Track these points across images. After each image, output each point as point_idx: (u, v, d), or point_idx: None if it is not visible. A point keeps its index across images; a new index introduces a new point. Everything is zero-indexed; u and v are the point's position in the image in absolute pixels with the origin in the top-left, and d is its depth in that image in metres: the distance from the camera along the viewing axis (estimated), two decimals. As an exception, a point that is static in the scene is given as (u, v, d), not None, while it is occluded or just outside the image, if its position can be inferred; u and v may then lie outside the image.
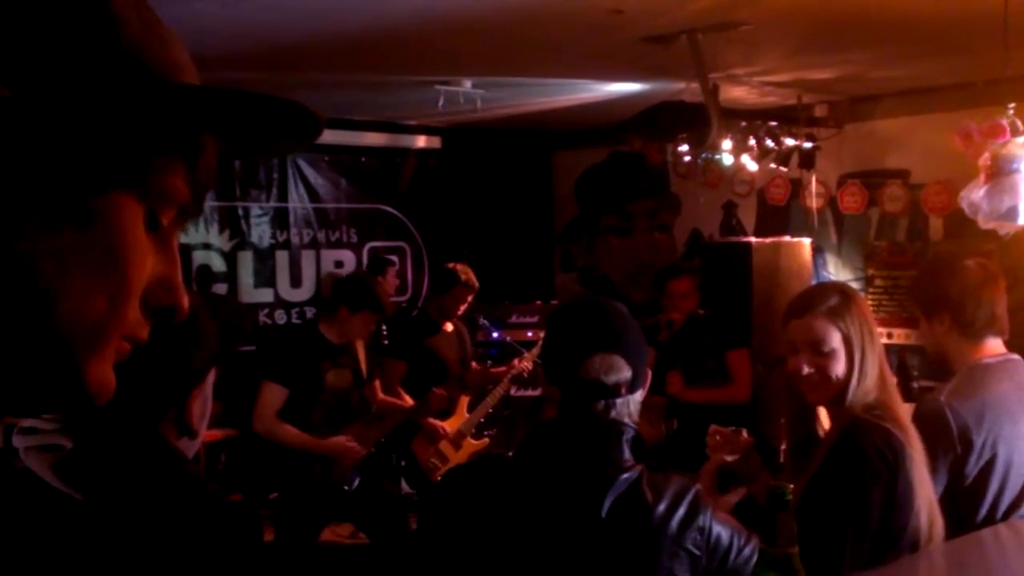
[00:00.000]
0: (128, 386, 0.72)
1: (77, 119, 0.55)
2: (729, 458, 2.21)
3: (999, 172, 3.00)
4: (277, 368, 4.20)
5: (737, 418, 4.77)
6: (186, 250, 6.61)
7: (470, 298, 5.06)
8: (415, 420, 4.82)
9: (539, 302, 7.23)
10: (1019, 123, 3.07)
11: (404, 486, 5.99)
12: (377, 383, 4.70)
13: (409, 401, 4.86)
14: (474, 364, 5.35)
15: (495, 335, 6.53)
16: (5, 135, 0.53)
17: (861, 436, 2.02)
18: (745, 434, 2.28)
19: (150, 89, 0.58)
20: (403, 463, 5.63)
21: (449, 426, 4.91)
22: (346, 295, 4.29)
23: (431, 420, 4.85)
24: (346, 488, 4.27)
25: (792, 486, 1.53)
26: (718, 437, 2.28)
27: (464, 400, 5.04)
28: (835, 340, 2.06)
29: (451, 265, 5.11)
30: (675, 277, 4.97)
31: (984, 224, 3.15)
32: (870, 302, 6.58)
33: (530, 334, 6.54)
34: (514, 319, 6.93)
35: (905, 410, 2.18)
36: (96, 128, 0.56)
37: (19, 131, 0.53)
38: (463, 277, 4.98)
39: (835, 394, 2.08)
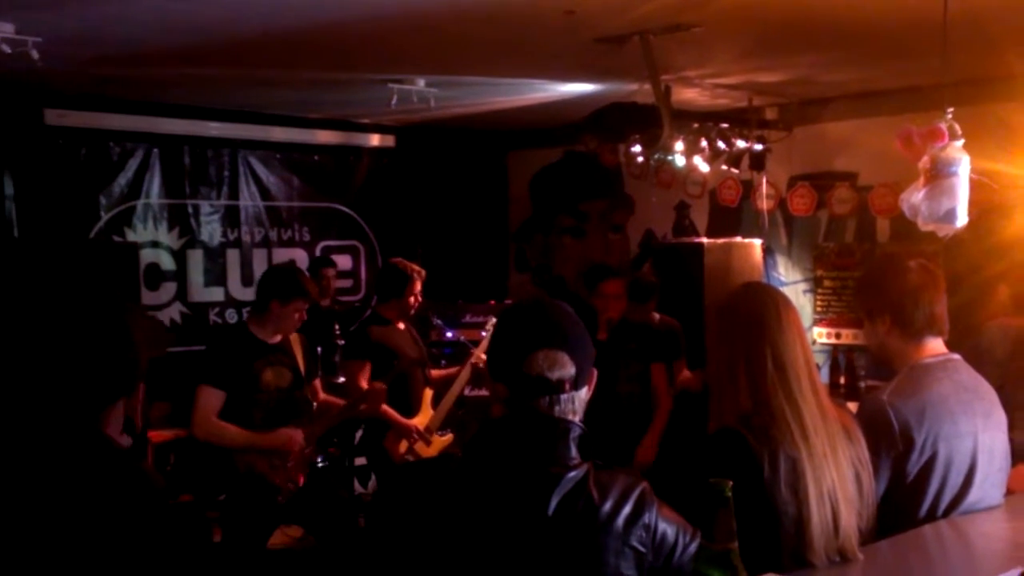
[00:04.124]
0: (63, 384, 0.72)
1: None
2: None
3: (938, 175, 3.06)
4: (211, 371, 4.15)
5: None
6: (134, 248, 6.48)
7: (420, 285, 4.99)
8: (354, 416, 4.78)
9: (493, 301, 7.23)
10: (957, 127, 3.14)
11: (357, 486, 5.95)
12: (317, 382, 4.65)
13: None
14: (434, 372, 5.27)
15: (449, 334, 6.52)
16: None
17: None
18: None
19: None
20: (357, 462, 5.57)
21: (418, 423, 4.88)
22: (273, 288, 4.25)
23: (403, 419, 4.81)
24: (294, 486, 4.24)
25: (731, 483, 1.55)
26: None
27: (427, 395, 5.00)
28: None
29: (397, 264, 5.02)
30: (607, 279, 5.03)
31: (923, 226, 3.20)
32: (819, 303, 6.68)
33: (484, 333, 6.54)
34: (468, 318, 6.91)
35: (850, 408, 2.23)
36: None
37: None
38: (410, 272, 4.92)
39: None
